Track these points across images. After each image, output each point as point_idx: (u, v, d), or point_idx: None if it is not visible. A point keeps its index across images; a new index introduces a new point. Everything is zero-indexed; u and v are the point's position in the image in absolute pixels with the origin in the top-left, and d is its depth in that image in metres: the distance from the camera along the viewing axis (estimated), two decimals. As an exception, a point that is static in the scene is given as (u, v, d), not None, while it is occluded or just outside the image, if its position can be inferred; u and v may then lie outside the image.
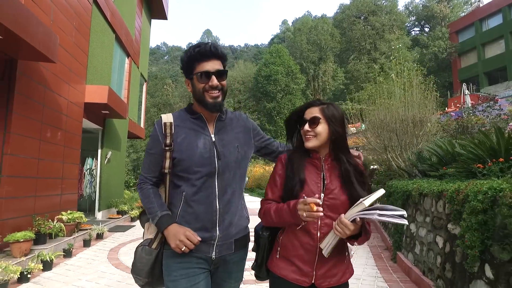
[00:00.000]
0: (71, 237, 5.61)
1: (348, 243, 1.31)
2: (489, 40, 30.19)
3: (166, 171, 1.34)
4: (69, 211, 5.99)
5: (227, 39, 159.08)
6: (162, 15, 15.53)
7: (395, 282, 3.61)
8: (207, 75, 1.31)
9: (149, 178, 1.40)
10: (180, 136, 1.34)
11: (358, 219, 1.13)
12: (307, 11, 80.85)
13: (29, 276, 3.69)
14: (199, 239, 1.28)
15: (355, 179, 1.28)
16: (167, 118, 1.37)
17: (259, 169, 18.90)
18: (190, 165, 1.31)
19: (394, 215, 1.10)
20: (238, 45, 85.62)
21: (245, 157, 1.43)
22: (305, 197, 1.18)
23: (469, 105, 13.87)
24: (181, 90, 36.72)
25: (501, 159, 2.88)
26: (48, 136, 5.74)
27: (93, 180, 9.14)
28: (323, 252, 1.22)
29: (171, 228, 1.28)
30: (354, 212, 1.14)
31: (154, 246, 1.33)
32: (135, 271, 1.32)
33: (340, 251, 1.29)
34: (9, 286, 3.43)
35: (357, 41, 32.55)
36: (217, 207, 1.32)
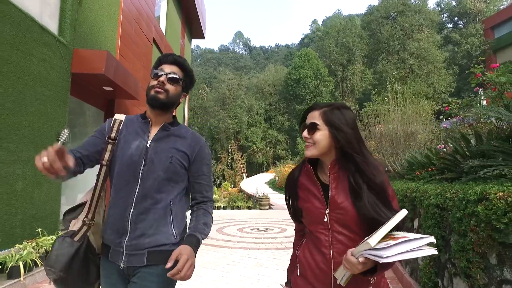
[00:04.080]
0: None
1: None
2: (528, 35, 29.22)
3: (104, 163, 1.31)
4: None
5: (258, 39, 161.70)
6: (201, 35, 17.83)
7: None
8: (159, 74, 1.34)
9: (75, 151, 1.31)
10: (121, 135, 1.34)
11: (363, 258, 0.92)
12: (338, 10, 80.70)
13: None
14: (56, 148, 1.08)
15: (367, 194, 1.07)
16: (119, 116, 1.39)
17: (288, 169, 20.60)
18: (119, 164, 1.30)
19: (413, 248, 0.89)
20: (269, 46, 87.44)
21: (180, 173, 1.34)
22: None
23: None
24: (215, 95, 39.26)
25: (429, 169, 4.46)
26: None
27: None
28: (338, 282, 1.05)
29: None
30: (361, 250, 0.94)
31: (76, 238, 1.25)
32: (50, 262, 1.20)
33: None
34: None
35: (385, 42, 32.94)
36: (130, 213, 1.26)
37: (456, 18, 38.10)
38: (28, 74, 4.25)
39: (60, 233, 4.89)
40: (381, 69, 32.23)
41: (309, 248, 1.19)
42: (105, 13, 6.54)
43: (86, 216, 1.30)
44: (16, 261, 3.40)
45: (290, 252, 1.37)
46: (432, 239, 0.92)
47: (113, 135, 1.34)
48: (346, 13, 71.51)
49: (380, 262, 0.89)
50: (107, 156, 1.32)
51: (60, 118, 5.02)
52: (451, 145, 3.92)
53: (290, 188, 1.25)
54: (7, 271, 3.33)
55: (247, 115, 36.43)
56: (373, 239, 0.91)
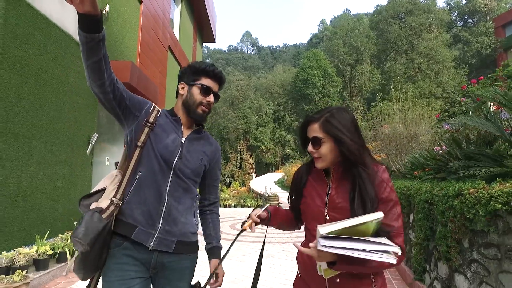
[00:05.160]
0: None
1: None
2: (540, 33, 28.94)
3: (140, 144, 1.31)
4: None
5: (266, 39, 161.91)
6: (211, 39, 18.38)
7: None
8: (209, 91, 1.39)
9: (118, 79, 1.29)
10: (158, 122, 1.37)
11: (313, 244, 0.96)
12: (346, 9, 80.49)
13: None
14: None
15: (361, 200, 1.06)
16: (157, 107, 1.42)
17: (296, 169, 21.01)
18: (154, 150, 1.32)
19: (368, 249, 0.88)
20: (277, 46, 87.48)
21: (201, 175, 1.45)
22: (261, 209, 1.24)
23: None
24: (225, 95, 39.83)
25: (426, 169, 4.86)
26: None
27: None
28: (318, 271, 1.09)
29: None
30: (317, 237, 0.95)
31: (104, 216, 1.24)
32: (79, 234, 1.17)
33: (360, 276, 1.08)
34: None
35: (394, 41, 32.99)
36: (166, 198, 1.31)
37: (466, 17, 37.84)
38: (67, 85, 4.82)
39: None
40: (390, 69, 32.30)
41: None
42: (127, 25, 7.11)
43: (114, 196, 1.28)
44: (63, 247, 3.96)
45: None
46: (397, 249, 0.90)
47: (151, 119, 1.35)
48: (355, 12, 71.36)
49: (317, 248, 0.92)
50: (143, 138, 1.32)
51: (91, 123, 5.60)
52: (445, 147, 4.34)
53: (297, 185, 1.30)
54: (56, 256, 3.90)
55: (256, 115, 36.89)
56: (325, 228, 0.92)
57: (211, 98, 1.40)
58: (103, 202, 1.28)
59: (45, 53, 4.26)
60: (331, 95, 34.19)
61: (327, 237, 0.91)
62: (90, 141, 5.57)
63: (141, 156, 1.33)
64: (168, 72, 10.67)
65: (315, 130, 1.16)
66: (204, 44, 18.86)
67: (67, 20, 4.85)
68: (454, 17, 38.29)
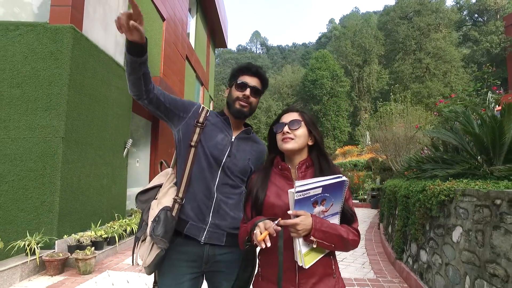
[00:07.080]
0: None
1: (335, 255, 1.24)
2: (549, 32, 28.87)
3: (193, 144, 1.38)
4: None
5: (275, 38, 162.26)
6: (224, 45, 19.31)
7: (369, 234, 6.53)
8: (245, 86, 1.42)
9: (157, 87, 1.40)
10: (208, 122, 1.44)
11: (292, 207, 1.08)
12: (355, 7, 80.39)
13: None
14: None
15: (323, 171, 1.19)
16: (206, 108, 1.49)
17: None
18: (205, 148, 1.39)
19: (324, 179, 1.09)
20: (286, 45, 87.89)
21: (248, 174, 1.46)
22: (267, 220, 1.11)
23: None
24: (235, 96, 40.76)
25: (414, 169, 5.64)
26: (169, 152, 9.57)
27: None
28: (298, 263, 1.11)
29: None
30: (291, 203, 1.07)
31: (174, 213, 1.33)
32: (160, 232, 1.26)
33: (324, 265, 1.19)
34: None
35: (402, 42, 33.30)
36: (215, 193, 1.36)
37: (476, 15, 37.78)
38: (110, 100, 5.78)
39: (127, 218, 6.42)
40: (398, 69, 32.64)
41: (272, 250, 1.11)
42: (153, 42, 8.06)
43: (177, 195, 1.36)
44: (112, 233, 4.92)
45: None
46: (345, 179, 1.13)
47: (201, 120, 1.43)
48: (364, 10, 71.27)
49: (294, 193, 1.05)
50: (195, 138, 1.40)
51: (126, 130, 6.56)
52: (426, 151, 5.12)
53: (260, 183, 1.28)
54: (108, 239, 4.86)
55: (265, 116, 37.73)
56: (296, 186, 1.06)
57: (247, 91, 1.43)
58: (165, 199, 1.37)
59: (96, 75, 5.22)
60: (340, 95, 34.75)
61: (298, 191, 1.06)
62: (126, 145, 6.53)
63: (193, 155, 1.39)
64: (186, 80, 11.62)
65: (294, 116, 1.30)
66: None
67: (110, 44, 5.81)
68: (464, 16, 38.24)
